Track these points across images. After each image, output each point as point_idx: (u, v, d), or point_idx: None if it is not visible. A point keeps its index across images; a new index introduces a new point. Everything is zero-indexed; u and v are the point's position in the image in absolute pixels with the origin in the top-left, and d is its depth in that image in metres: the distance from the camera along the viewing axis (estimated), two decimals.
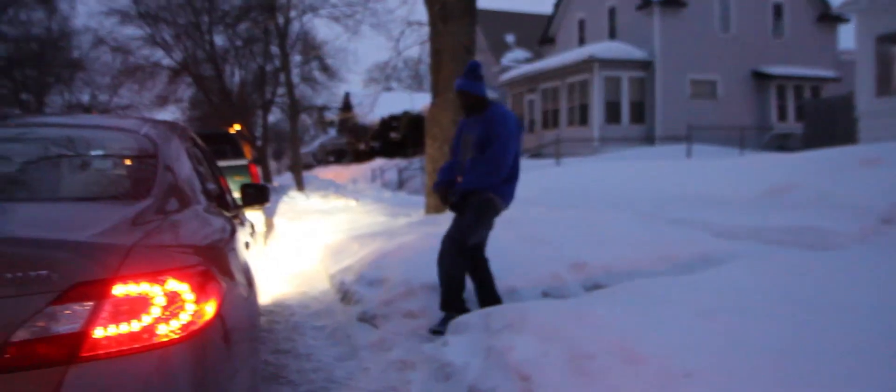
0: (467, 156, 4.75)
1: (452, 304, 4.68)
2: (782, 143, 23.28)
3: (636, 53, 24.19)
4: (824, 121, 18.65)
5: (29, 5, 25.38)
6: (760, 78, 25.09)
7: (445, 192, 4.99)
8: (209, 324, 2.04)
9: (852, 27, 24.31)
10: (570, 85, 25.60)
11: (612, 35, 26.34)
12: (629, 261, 6.11)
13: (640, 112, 24.54)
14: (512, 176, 4.78)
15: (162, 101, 28.81)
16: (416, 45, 19.28)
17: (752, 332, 2.96)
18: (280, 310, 5.88)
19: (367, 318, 5.11)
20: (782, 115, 25.41)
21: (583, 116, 24.94)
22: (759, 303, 3.38)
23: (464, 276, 4.75)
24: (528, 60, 32.33)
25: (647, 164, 15.59)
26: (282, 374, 4.21)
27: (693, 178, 13.34)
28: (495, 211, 4.78)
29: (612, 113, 24.38)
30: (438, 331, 4.49)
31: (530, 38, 33.58)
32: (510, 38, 35.11)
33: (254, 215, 5.56)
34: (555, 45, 30.53)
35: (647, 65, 24.17)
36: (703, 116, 23.05)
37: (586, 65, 24.26)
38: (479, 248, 4.93)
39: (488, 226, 4.84)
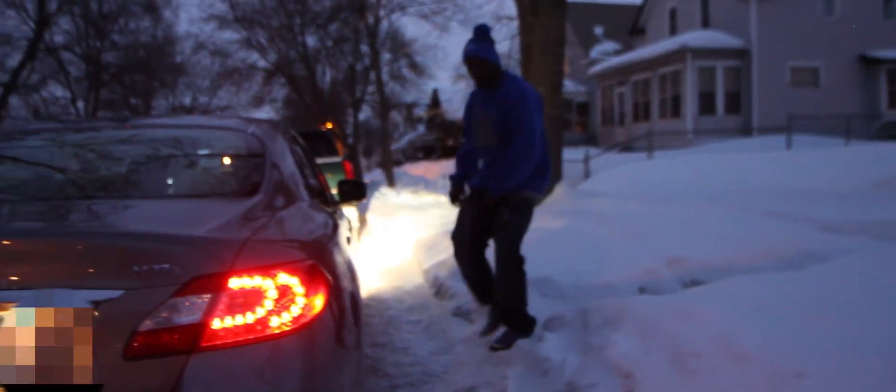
0: (488, 142, 4.09)
1: (521, 320, 4.14)
2: (893, 132, 21.99)
3: (731, 41, 23.36)
4: None
5: (137, 15, 26.80)
6: (869, 63, 23.76)
7: (459, 190, 4.31)
8: (318, 317, 2.10)
9: None
10: (662, 76, 24.98)
11: (706, 24, 25.52)
12: (729, 256, 5.92)
13: (736, 102, 23.69)
14: (543, 164, 4.13)
15: (257, 101, 29.90)
16: (506, 39, 19.25)
17: (867, 332, 2.82)
18: (375, 304, 5.99)
19: (461, 313, 5.14)
20: (893, 102, 23.96)
21: (675, 108, 24.29)
22: (874, 301, 3.21)
23: (525, 275, 4.19)
24: (617, 52, 31.75)
25: (745, 156, 15.06)
26: (379, 367, 4.29)
27: (794, 170, 12.82)
28: (534, 206, 4.24)
29: (707, 104, 23.64)
30: (501, 346, 4.07)
31: (619, 30, 32.94)
32: (599, 30, 34.56)
33: (348, 211, 5.69)
34: (645, 36, 29.85)
35: (743, 53, 23.31)
36: (804, 105, 22.03)
37: (679, 55, 23.60)
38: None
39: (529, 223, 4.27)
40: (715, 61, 23.43)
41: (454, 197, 4.33)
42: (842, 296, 3.29)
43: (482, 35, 4.00)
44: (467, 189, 4.34)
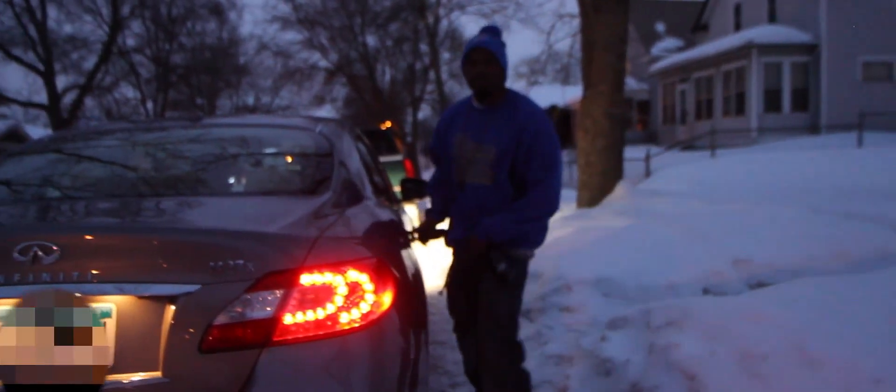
0: (477, 180, 3.04)
1: None
2: None
3: (799, 37, 22.63)
4: None
5: (203, 17, 27.60)
6: None
7: (431, 227, 3.29)
8: (386, 314, 2.13)
9: None
10: (726, 73, 24.40)
11: (772, 18, 24.81)
12: (797, 258, 5.76)
13: (804, 99, 22.95)
14: None
15: (319, 100, 30.50)
16: (567, 37, 19.15)
17: None
18: (435, 302, 6.02)
19: (522, 312, 5.13)
20: None
21: (739, 106, 23.70)
22: None
23: (529, 375, 3.23)
24: (679, 49, 31.17)
25: (813, 155, 14.59)
26: (440, 365, 4.33)
27: (867, 169, 12.37)
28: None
29: (772, 101, 22.98)
30: None
31: (682, 26, 32.32)
32: (660, 27, 33.97)
33: (409, 209, 5.74)
34: (708, 33, 29.21)
35: (811, 48, 22.58)
36: (876, 102, 21.20)
37: (744, 51, 23.02)
38: None
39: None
40: (781, 57, 22.76)
41: (425, 235, 3.29)
42: None
43: (494, 32, 3.09)
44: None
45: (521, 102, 3.08)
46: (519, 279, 3.06)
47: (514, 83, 32.78)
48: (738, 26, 26.94)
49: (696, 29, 30.27)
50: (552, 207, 3.02)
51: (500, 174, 2.98)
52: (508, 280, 2.99)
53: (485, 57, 2.98)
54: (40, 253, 1.91)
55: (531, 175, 2.96)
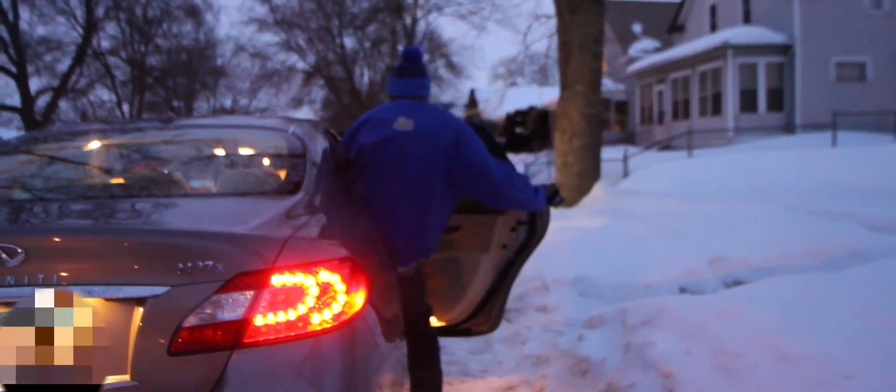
0: None
1: None
2: None
3: (774, 37, 22.88)
4: None
5: (180, 19, 27.38)
6: None
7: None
8: (358, 314, 2.11)
9: None
10: (702, 73, 24.61)
11: (747, 19, 25.07)
12: (772, 256, 5.83)
13: (779, 99, 23.20)
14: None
15: (296, 102, 30.39)
16: (544, 38, 19.20)
17: None
18: None
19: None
20: None
21: (716, 106, 23.91)
22: None
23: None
24: (656, 50, 31.38)
25: (788, 154, 14.77)
26: None
27: (840, 168, 12.54)
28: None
29: (748, 101, 23.21)
30: None
31: (658, 27, 32.54)
32: (637, 28, 34.20)
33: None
34: (684, 33, 29.45)
35: (786, 49, 22.84)
36: (849, 102, 21.47)
37: (719, 52, 23.23)
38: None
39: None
40: (757, 58, 23.00)
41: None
42: (890, 296, 3.21)
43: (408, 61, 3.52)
44: None
45: None
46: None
47: (491, 84, 32.80)
48: (713, 27, 27.19)
49: (672, 30, 30.51)
50: None
51: None
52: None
53: None
54: (4, 256, 1.87)
55: None
